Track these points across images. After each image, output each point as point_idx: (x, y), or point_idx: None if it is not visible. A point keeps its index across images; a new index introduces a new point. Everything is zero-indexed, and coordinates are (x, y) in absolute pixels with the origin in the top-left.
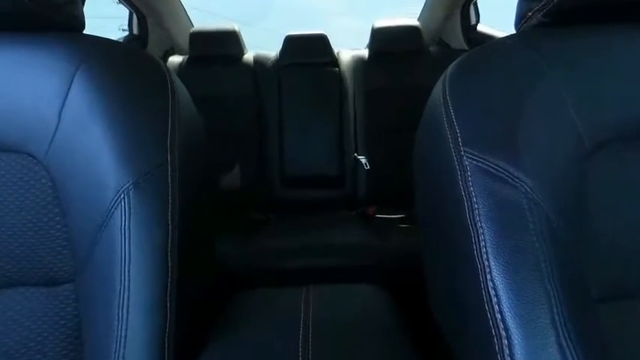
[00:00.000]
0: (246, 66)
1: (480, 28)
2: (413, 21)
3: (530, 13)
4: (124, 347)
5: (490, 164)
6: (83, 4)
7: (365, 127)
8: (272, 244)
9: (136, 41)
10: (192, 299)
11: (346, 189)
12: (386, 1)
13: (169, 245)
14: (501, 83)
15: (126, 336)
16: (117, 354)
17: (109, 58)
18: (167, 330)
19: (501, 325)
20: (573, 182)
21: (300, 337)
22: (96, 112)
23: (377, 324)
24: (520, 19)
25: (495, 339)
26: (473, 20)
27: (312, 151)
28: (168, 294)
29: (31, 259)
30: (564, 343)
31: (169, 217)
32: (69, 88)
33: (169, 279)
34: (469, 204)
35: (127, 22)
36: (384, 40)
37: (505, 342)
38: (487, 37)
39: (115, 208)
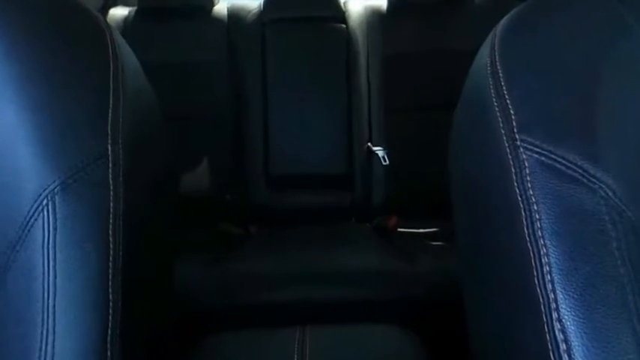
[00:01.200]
0: (217, 21)
1: None
2: None
3: None
4: None
5: (557, 158)
6: None
7: (382, 107)
8: (254, 268)
9: None
10: (143, 346)
11: (356, 193)
12: None
13: (110, 270)
14: (572, 46)
15: None
16: None
17: (25, 10)
18: None
19: (561, 340)
20: None
21: None
22: (6, 86)
23: None
24: None
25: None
26: None
27: (309, 140)
28: (108, 340)
29: None
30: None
31: (110, 231)
32: None
33: (110, 318)
34: (528, 214)
35: None
36: None
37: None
38: None
39: (35, 220)
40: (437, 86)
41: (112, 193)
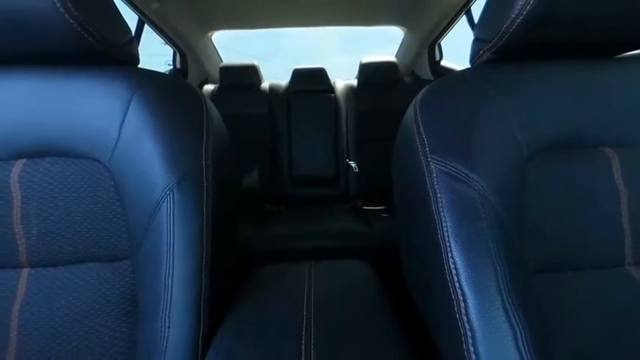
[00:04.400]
0: (263, 92)
1: (443, 63)
2: (391, 57)
3: (481, 52)
4: (170, 308)
5: (451, 168)
6: (138, 44)
7: (355, 139)
8: (283, 230)
9: (178, 73)
10: (221, 273)
11: (340, 187)
12: (371, 42)
13: (204, 230)
14: (459, 106)
15: (171, 300)
16: (164, 313)
17: (157, 86)
18: (202, 296)
19: (459, 292)
20: (515, 182)
21: (305, 302)
22: (148, 127)
23: (364, 292)
24: (474, 56)
25: (455, 302)
26: (437, 57)
27: (314, 157)
28: (203, 268)
29: (97, 241)
30: (508, 305)
31: (204, 209)
32: (127, 110)
33: (204, 257)
34: (434, 199)
35: (171, 59)
36: (369, 72)
37: (462, 304)
38: (448, 70)
39: (163, 202)
40: (385, 128)
41: (204, 187)
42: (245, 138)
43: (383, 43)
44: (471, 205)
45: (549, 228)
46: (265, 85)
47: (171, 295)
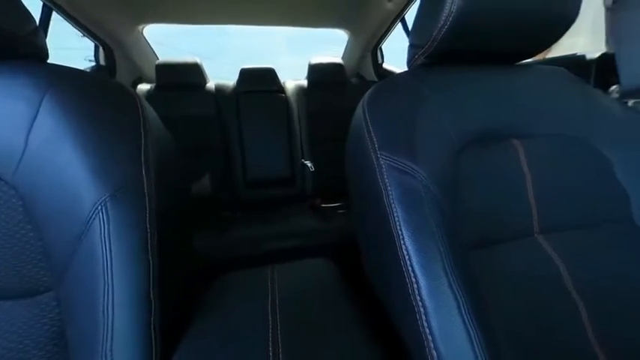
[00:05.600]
0: (209, 93)
1: (385, 65)
2: (338, 59)
3: (416, 56)
4: (111, 341)
5: (398, 163)
6: (45, 35)
7: (308, 139)
8: (242, 235)
9: (103, 70)
10: (175, 288)
11: (297, 187)
12: (317, 43)
13: (149, 245)
14: (401, 106)
15: (112, 331)
16: (104, 348)
17: (76, 84)
18: (152, 321)
19: (412, 275)
20: (450, 171)
21: (269, 306)
22: (66, 134)
23: (328, 289)
24: (410, 60)
25: (408, 284)
26: (380, 60)
27: (269, 159)
28: (151, 287)
29: (9, 273)
30: (452, 282)
31: (147, 221)
32: (36, 113)
33: (151, 275)
34: (385, 192)
35: (92, 54)
36: (318, 73)
37: (415, 286)
38: (390, 72)
39: (94, 219)
40: (337, 128)
41: (146, 198)
42: (192, 141)
43: (330, 44)
44: (416, 195)
45: (477, 209)
46: (211, 85)
47: (112, 325)
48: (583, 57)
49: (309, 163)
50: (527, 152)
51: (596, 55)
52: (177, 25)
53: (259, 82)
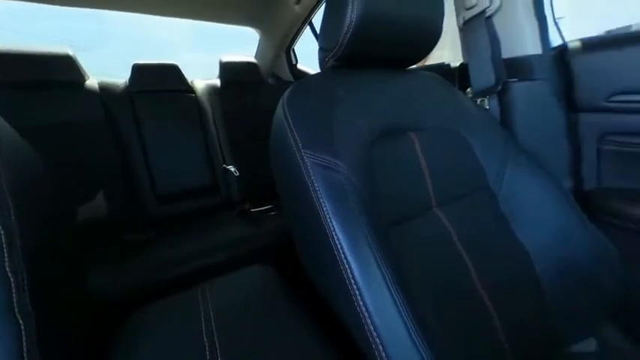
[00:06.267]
0: (90, 92)
1: (299, 66)
2: (251, 58)
3: (327, 59)
4: None
5: (321, 159)
6: None
7: (228, 142)
8: (161, 258)
9: None
10: (68, 345)
11: (222, 195)
12: (224, 39)
13: (15, 301)
14: (318, 105)
15: None
16: None
17: None
18: None
19: (345, 261)
20: (365, 163)
21: (204, 329)
22: None
23: (267, 296)
24: (322, 63)
25: (342, 270)
26: (294, 61)
27: (184, 167)
28: (25, 354)
29: None
30: (378, 260)
31: (7, 268)
32: None
33: (24, 338)
34: (312, 188)
35: None
36: (231, 72)
37: (348, 270)
38: (304, 73)
39: None
40: (258, 128)
41: (3, 237)
42: (72, 153)
43: (240, 41)
44: (341, 188)
45: (390, 192)
46: (92, 83)
47: None
48: (449, 65)
49: (232, 168)
50: (420, 142)
51: (457, 64)
52: (23, 3)
53: (159, 81)
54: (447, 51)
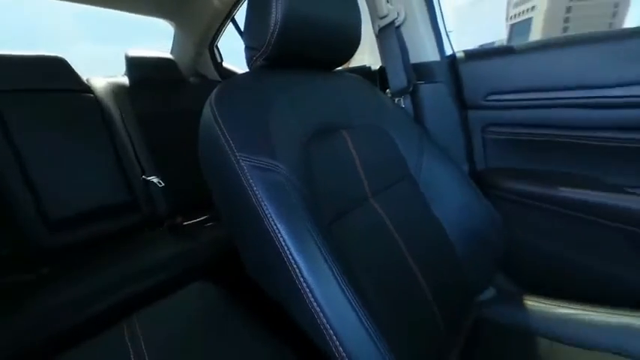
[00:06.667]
0: None
1: (225, 64)
2: (166, 53)
3: (254, 58)
4: None
5: (259, 161)
6: None
7: (147, 149)
8: (59, 300)
9: None
10: None
11: (144, 211)
12: (125, 30)
13: None
14: (251, 106)
15: None
16: None
17: None
18: None
19: (292, 261)
20: (304, 161)
21: None
22: None
23: (212, 314)
24: (250, 61)
25: (291, 270)
26: (219, 59)
27: (84, 184)
28: None
29: None
30: (325, 255)
31: None
32: None
33: None
34: (252, 191)
35: None
36: (144, 69)
37: (297, 270)
38: (232, 72)
39: None
40: (181, 132)
41: None
42: None
43: (142, 30)
44: (281, 189)
45: (329, 189)
46: None
47: None
48: (370, 68)
49: (154, 179)
50: (352, 139)
51: (377, 67)
52: None
53: (41, 78)
54: (367, 55)
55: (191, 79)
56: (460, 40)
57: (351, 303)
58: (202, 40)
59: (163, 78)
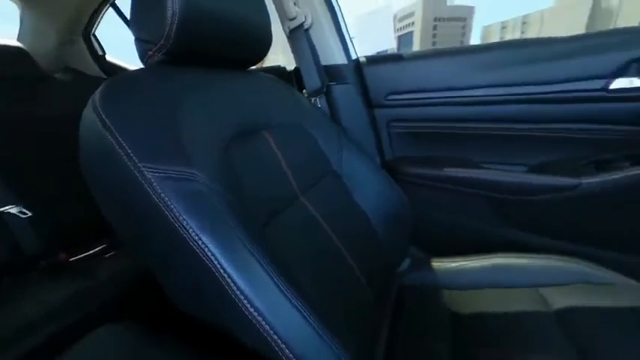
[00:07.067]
0: None
1: (109, 58)
2: (12, 41)
3: (151, 52)
4: None
5: (170, 171)
6: None
7: (2, 170)
8: None
9: None
10: None
11: (3, 252)
12: None
13: None
14: (154, 106)
15: None
16: None
17: None
18: None
19: (224, 274)
20: (225, 165)
21: None
22: None
23: None
24: (143, 56)
25: (225, 284)
26: (99, 51)
27: None
28: None
29: None
30: (257, 257)
31: None
32: None
33: None
34: (166, 207)
35: None
36: None
37: (231, 283)
38: (119, 67)
39: None
40: (50, 143)
41: None
42: None
43: None
44: (201, 199)
45: (257, 192)
46: None
47: None
48: (285, 69)
49: (13, 209)
50: (274, 139)
51: (292, 68)
52: None
53: None
54: (281, 55)
55: (57, 75)
56: (361, 47)
57: (293, 303)
58: (69, 26)
59: (15, 74)
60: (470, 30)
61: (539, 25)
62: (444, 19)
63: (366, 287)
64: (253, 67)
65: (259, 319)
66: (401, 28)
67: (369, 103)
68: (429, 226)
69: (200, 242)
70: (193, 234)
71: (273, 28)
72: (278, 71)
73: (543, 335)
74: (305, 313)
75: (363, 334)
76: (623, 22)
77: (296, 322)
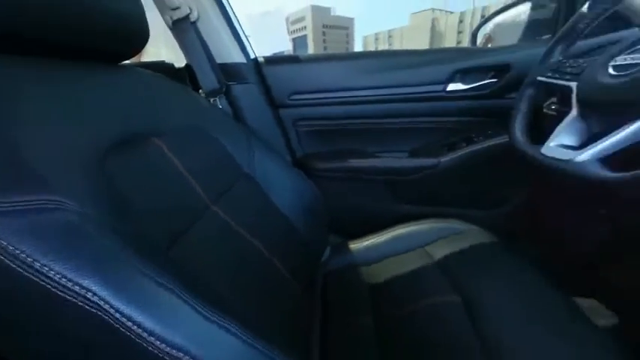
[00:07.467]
0: None
1: None
2: None
3: None
4: None
5: (24, 204)
6: None
7: None
8: None
9: None
10: None
11: None
12: None
13: None
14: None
15: None
16: None
17: None
18: None
19: (129, 322)
20: (103, 183)
21: None
22: None
23: None
24: None
25: (128, 333)
26: None
27: None
28: None
29: None
30: (162, 282)
31: None
32: None
33: None
34: (17, 254)
35: None
36: None
37: (134, 326)
38: None
39: None
40: None
41: None
42: None
43: None
44: (74, 231)
45: (153, 209)
46: None
47: None
48: (172, 65)
49: None
50: (169, 146)
51: (183, 64)
52: None
53: None
54: (164, 49)
55: None
56: (258, 48)
57: (219, 324)
58: None
59: None
60: (353, 38)
61: (400, 38)
62: (330, 27)
63: (294, 284)
64: (127, 62)
65: (180, 355)
66: (294, 31)
67: (273, 103)
68: (343, 214)
69: (79, 288)
70: (66, 280)
71: (150, 16)
72: (164, 68)
73: (431, 282)
74: (234, 329)
75: (296, 328)
76: (447, 42)
77: (226, 342)
